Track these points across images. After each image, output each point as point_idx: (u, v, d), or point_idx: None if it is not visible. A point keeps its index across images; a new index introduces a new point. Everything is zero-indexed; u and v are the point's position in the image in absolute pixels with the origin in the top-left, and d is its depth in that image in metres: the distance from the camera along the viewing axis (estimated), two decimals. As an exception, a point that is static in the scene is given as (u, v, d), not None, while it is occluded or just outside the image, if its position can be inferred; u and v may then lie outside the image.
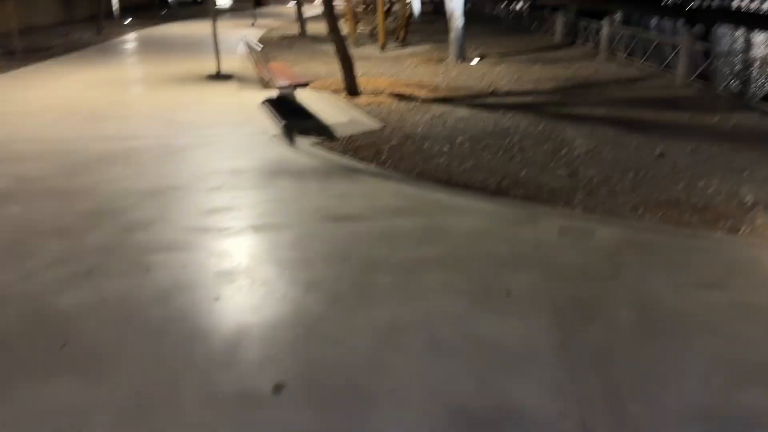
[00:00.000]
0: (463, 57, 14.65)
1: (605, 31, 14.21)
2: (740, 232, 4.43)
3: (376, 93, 10.46)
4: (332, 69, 13.30)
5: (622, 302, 3.39)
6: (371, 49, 17.08)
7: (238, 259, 4.00)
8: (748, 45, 28.61)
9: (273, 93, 9.61)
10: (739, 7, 48.62)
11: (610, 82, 11.24)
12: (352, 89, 10.21)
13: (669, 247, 4.16)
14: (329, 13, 10.32)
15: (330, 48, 18.73)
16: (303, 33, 21.43)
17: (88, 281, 3.71)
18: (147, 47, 18.20)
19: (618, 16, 14.14)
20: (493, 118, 8.45)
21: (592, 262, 3.90)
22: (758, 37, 32.35)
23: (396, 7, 19.10)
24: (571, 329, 3.13)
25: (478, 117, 8.53)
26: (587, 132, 7.53)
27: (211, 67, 12.20)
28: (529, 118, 8.37)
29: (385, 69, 13.47)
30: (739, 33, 35.32)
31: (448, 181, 5.76)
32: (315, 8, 38.14)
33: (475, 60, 14.44)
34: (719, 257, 4.03)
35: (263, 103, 9.13)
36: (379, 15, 16.53)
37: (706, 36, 36.25)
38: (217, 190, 5.35)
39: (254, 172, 5.91)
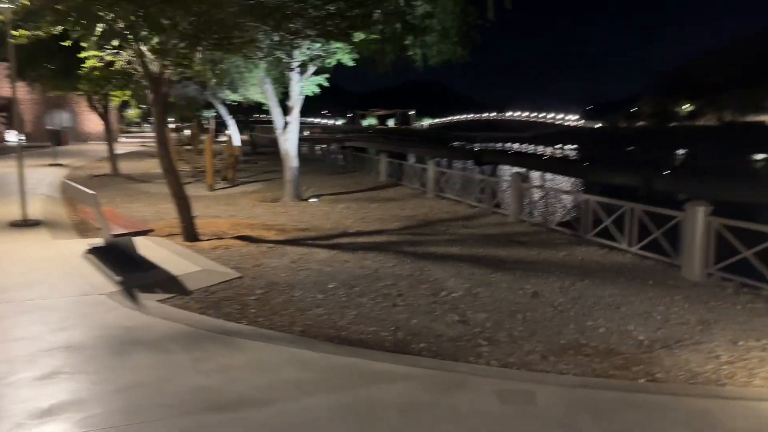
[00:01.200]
0: (299, 196, 14.46)
1: (431, 173, 15.11)
2: (657, 376, 4.33)
3: (219, 236, 9.60)
4: (159, 210, 12.19)
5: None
6: (198, 189, 16.21)
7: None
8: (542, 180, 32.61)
9: (97, 241, 8.29)
10: (513, 150, 56.72)
11: (449, 219, 11.68)
12: (191, 233, 9.25)
13: (618, 408, 3.83)
14: (164, 151, 9.48)
15: (151, 188, 17.64)
16: (116, 171, 19.85)
17: None
18: None
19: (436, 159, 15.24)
20: (355, 259, 8.05)
21: (545, 432, 3.43)
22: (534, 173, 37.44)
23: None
24: None
25: (340, 259, 8.08)
26: (454, 271, 7.43)
27: (14, 213, 10.36)
28: (392, 258, 8.13)
29: (220, 210, 12.69)
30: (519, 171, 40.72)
31: (339, 338, 5.09)
32: (124, 146, 36.37)
33: (313, 199, 14.31)
34: (680, 417, 3.79)
35: (88, 254, 7.75)
36: (207, 153, 15.93)
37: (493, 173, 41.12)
38: (50, 379, 4.04)
39: (96, 347, 4.66)
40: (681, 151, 70.05)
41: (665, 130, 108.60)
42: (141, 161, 25.86)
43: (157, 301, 6.01)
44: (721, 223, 6.78)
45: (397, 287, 6.72)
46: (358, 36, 11.20)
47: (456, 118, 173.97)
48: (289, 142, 14.30)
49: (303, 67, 13.66)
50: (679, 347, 4.86)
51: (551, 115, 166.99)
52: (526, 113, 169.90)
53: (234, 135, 27.09)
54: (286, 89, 14.51)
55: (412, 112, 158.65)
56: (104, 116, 20.38)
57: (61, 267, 7.08)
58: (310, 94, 14.19)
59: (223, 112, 26.47)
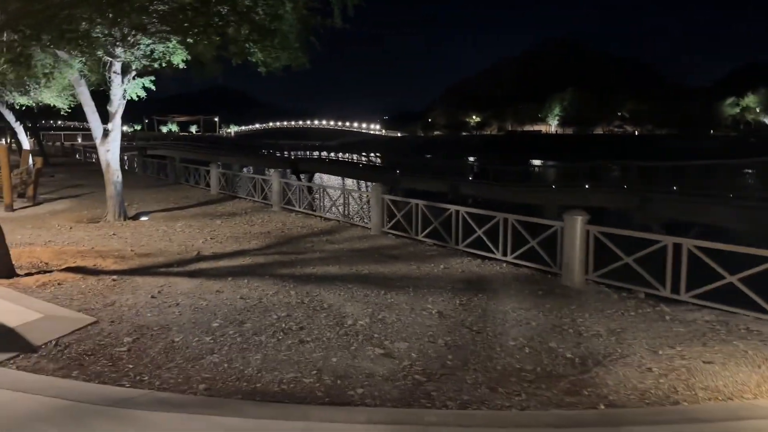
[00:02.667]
0: (124, 215, 12.69)
1: (276, 185, 14.28)
2: (611, 399, 4.27)
3: (41, 269, 7.93)
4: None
5: None
6: (-9, 209, 13.48)
7: None
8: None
9: None
10: (328, 158, 57.18)
11: (309, 234, 11.03)
12: (6, 268, 7.48)
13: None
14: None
15: None
16: None
17: None
18: None
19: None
20: (228, 288, 7.09)
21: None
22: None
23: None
24: None
25: (210, 289, 7.05)
26: (346, 295, 6.88)
27: None
28: (270, 284, 7.31)
29: (30, 235, 10.60)
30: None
31: (256, 391, 4.28)
32: None
33: (143, 217, 12.65)
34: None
35: None
36: (4, 169, 13.27)
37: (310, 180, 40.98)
38: None
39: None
40: (472, 158, 76.98)
41: (458, 139, 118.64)
42: None
43: (-6, 367, 4.58)
44: (600, 231, 7.16)
45: (293, 319, 5.98)
46: (201, 37, 10.08)
47: (261, 126, 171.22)
48: (111, 152, 12.48)
49: (126, 67, 12.03)
50: (611, 362, 4.89)
51: (356, 124, 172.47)
52: (332, 122, 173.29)
53: (24, 143, 23.26)
54: (104, 92, 12.66)
55: (216, 119, 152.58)
56: None
57: None
58: (135, 98, 12.53)
59: (10, 117, 22.52)
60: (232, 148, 69.43)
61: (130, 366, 4.74)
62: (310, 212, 13.43)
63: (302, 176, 40.76)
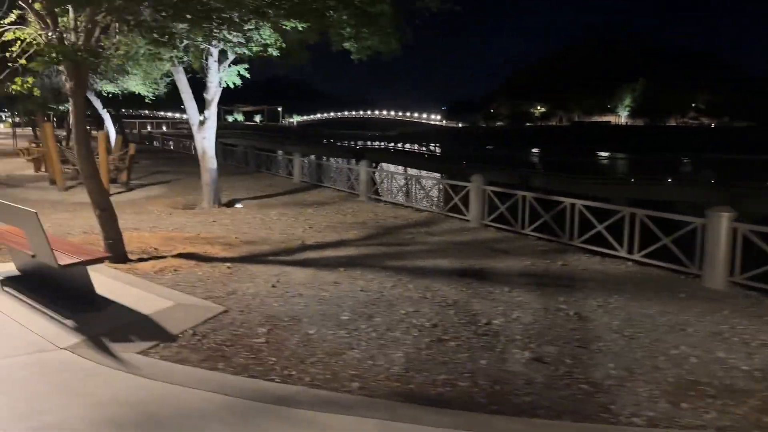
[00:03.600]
0: (219, 202, 12.77)
1: (363, 174, 14.08)
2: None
3: (153, 255, 7.95)
4: (55, 223, 10.01)
5: None
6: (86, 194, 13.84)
7: None
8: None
9: (7, 268, 6.37)
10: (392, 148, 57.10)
11: (405, 226, 10.75)
12: (119, 253, 7.52)
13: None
14: (85, 152, 7.63)
15: (28, 194, 14.63)
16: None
17: None
18: None
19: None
20: (345, 280, 6.88)
21: None
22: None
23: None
24: None
25: (327, 280, 6.86)
26: (470, 291, 6.53)
27: None
28: (385, 277, 7.05)
29: (133, 220, 10.74)
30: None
31: (413, 395, 4.01)
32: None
33: (238, 205, 12.70)
34: None
35: (2, 287, 5.86)
36: (102, 151, 13.60)
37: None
38: None
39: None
40: (535, 150, 75.07)
41: (522, 130, 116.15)
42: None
43: (139, 353, 4.50)
44: (751, 230, 6.53)
45: (423, 315, 5.70)
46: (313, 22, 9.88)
47: (322, 116, 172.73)
48: (207, 140, 12.56)
49: (223, 54, 12.03)
50: (799, 378, 4.38)
51: (415, 114, 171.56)
52: (392, 112, 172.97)
53: (111, 130, 24.00)
54: (202, 79, 12.73)
55: (279, 109, 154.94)
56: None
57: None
58: (231, 85, 12.53)
59: (98, 104, 23.27)
60: (296, 138, 70.32)
61: (273, 359, 4.55)
62: (399, 202, 13.15)
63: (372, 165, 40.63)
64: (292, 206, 12.90)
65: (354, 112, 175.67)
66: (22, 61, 8.03)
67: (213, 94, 12.34)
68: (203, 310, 5.57)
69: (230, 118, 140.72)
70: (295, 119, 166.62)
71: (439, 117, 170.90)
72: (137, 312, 5.32)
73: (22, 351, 4.34)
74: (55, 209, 11.96)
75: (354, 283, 6.79)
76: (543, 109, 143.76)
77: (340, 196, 14.76)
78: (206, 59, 12.12)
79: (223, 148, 27.46)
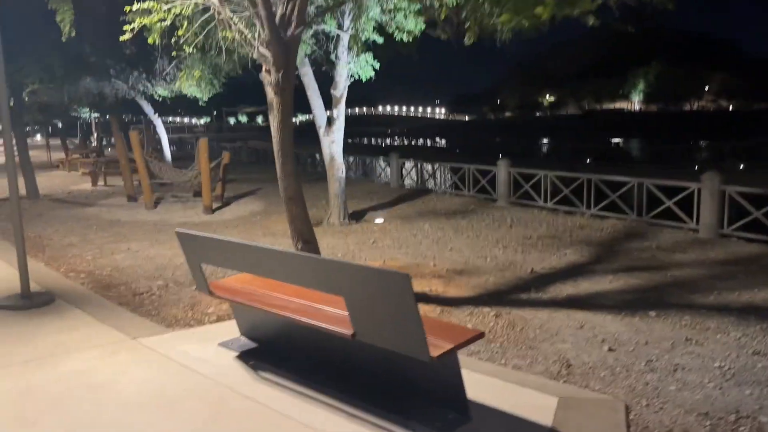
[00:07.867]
0: (348, 216, 10.84)
1: (503, 174, 12.12)
2: None
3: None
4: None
5: None
6: (190, 214, 11.92)
7: None
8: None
9: (231, 334, 4.48)
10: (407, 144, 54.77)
11: (607, 240, 8.77)
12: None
13: None
14: (291, 169, 5.73)
15: (113, 213, 12.40)
16: (35, 193, 14.54)
17: None
18: None
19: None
20: (688, 334, 4.96)
21: None
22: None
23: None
24: None
25: (659, 335, 4.94)
26: None
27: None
28: (727, 324, 5.14)
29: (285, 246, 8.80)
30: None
31: None
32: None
33: (378, 219, 10.76)
34: None
35: (247, 366, 3.94)
36: (203, 165, 11.63)
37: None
38: None
39: None
40: (545, 140, 72.82)
41: (532, 120, 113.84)
42: (37, 175, 20.06)
43: None
44: None
45: None
46: None
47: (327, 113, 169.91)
48: (335, 144, 10.61)
49: (354, 42, 10.10)
50: None
51: (420, 109, 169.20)
52: (396, 108, 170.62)
53: (163, 137, 22.01)
54: (327, 73, 10.82)
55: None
56: None
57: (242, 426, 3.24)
58: (364, 78, 10.59)
59: (149, 109, 21.25)
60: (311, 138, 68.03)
61: None
62: (560, 207, 11.20)
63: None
64: (433, 216, 10.94)
65: (358, 109, 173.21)
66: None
67: (342, 89, 10.41)
68: (599, 407, 3.64)
69: (232, 121, 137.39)
70: (300, 118, 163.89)
71: (443, 110, 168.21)
72: (521, 419, 3.39)
73: None
74: (162, 233, 9.96)
75: (713, 339, 4.86)
76: (552, 98, 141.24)
77: (466, 202, 12.74)
78: (334, 49, 10.19)
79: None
